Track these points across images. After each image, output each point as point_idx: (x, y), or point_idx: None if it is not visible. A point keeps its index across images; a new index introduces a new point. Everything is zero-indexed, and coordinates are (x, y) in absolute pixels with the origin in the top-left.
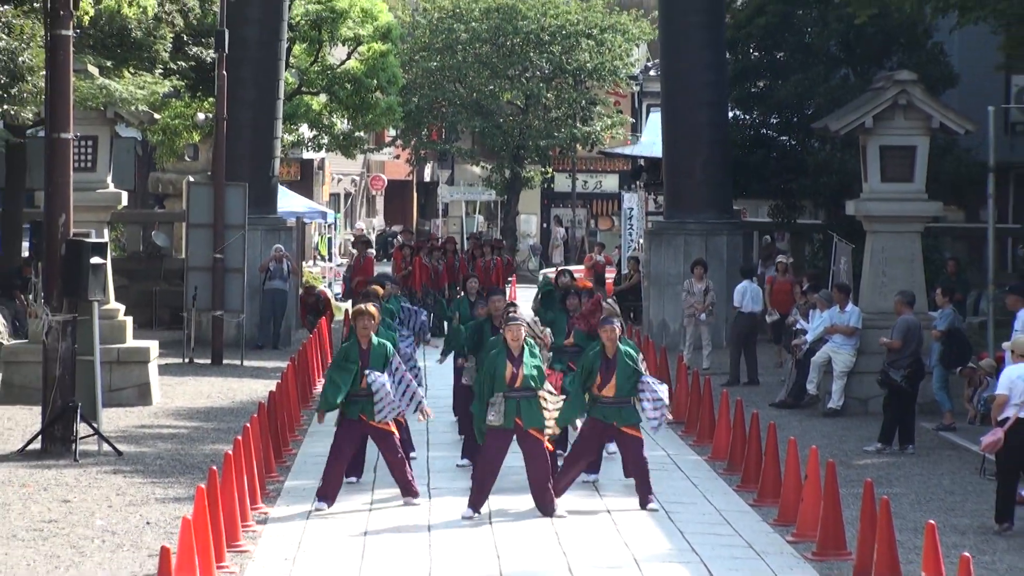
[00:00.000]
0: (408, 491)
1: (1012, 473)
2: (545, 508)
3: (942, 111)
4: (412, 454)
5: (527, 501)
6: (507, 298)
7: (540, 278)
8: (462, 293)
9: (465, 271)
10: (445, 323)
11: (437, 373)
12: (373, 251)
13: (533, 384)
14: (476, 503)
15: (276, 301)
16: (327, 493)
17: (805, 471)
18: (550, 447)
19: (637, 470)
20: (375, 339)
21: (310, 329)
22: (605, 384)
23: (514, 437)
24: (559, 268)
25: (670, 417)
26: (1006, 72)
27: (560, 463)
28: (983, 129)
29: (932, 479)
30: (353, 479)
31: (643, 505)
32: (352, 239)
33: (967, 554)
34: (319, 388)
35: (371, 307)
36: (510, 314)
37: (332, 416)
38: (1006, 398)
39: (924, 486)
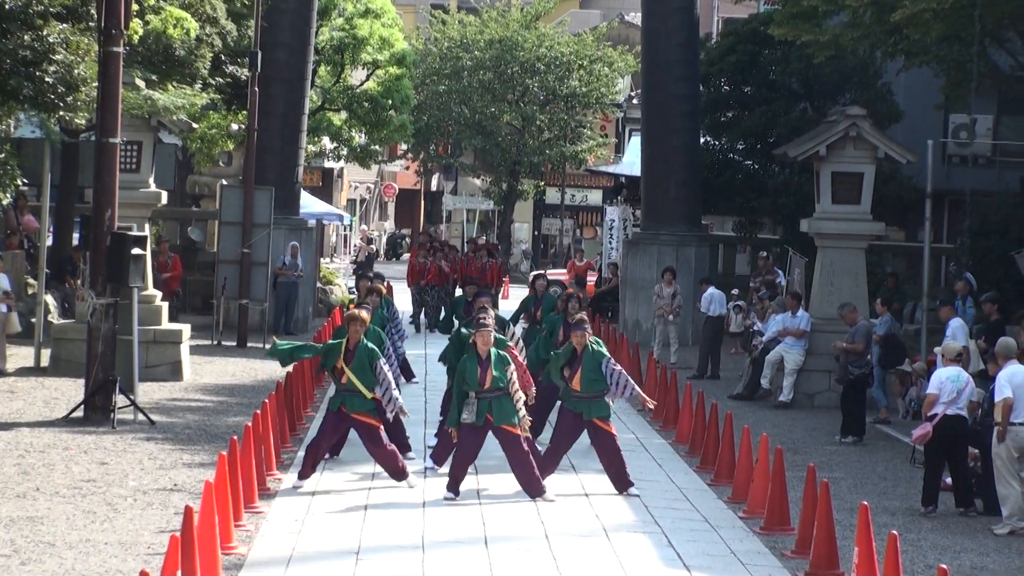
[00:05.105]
0: (400, 476)
1: (938, 462)
2: (531, 491)
3: (887, 143)
4: (410, 454)
5: (512, 482)
6: (498, 295)
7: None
8: (460, 292)
9: (464, 271)
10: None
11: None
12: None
13: (501, 385)
14: (454, 487)
15: (290, 294)
16: (305, 474)
17: (757, 456)
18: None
19: (612, 464)
20: (364, 342)
21: None
22: (572, 377)
23: (489, 432)
24: (536, 272)
25: (638, 389)
26: (944, 110)
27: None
28: (922, 160)
29: (867, 466)
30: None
31: (621, 491)
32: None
33: (895, 532)
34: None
35: (363, 313)
36: (480, 320)
37: None
38: (936, 397)
39: (860, 472)
